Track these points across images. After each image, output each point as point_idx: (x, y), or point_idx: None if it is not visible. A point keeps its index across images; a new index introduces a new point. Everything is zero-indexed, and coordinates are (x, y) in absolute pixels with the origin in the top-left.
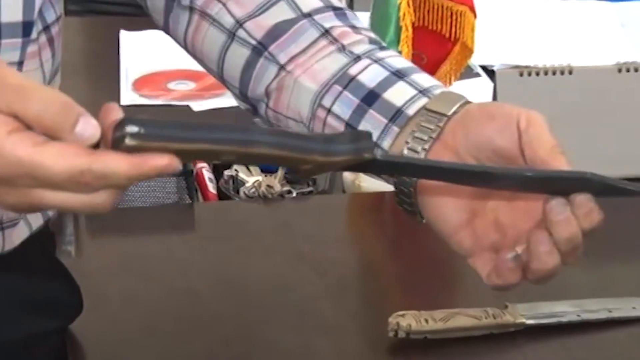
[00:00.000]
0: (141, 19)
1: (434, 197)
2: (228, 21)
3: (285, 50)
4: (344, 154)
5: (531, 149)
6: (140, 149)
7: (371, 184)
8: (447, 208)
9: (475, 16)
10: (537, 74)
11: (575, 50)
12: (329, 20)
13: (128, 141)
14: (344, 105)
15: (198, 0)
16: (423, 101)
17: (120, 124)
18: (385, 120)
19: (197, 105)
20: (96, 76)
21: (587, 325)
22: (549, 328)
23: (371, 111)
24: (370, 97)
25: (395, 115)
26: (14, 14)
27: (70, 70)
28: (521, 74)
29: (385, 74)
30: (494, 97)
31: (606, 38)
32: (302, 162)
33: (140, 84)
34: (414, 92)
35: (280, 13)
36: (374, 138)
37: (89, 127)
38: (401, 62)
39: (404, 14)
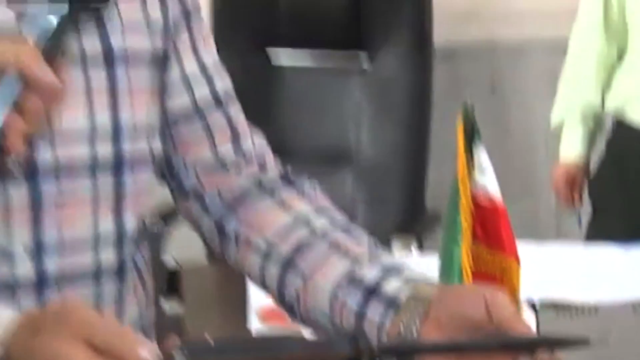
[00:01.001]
0: None
1: None
2: (261, 245)
3: (307, 262)
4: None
5: (497, 316)
6: None
7: None
8: None
9: (519, 264)
10: (569, 312)
11: (599, 289)
12: (338, 235)
13: None
14: (352, 300)
15: (241, 228)
16: (411, 289)
17: (168, 351)
18: (383, 308)
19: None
20: (224, 308)
21: None
22: None
23: (374, 301)
24: (372, 291)
25: (391, 303)
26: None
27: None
28: (557, 313)
29: (381, 271)
30: (537, 329)
31: (623, 279)
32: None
33: (265, 314)
34: (404, 283)
35: (301, 234)
36: (376, 320)
37: (152, 354)
38: (393, 260)
39: (465, 265)
